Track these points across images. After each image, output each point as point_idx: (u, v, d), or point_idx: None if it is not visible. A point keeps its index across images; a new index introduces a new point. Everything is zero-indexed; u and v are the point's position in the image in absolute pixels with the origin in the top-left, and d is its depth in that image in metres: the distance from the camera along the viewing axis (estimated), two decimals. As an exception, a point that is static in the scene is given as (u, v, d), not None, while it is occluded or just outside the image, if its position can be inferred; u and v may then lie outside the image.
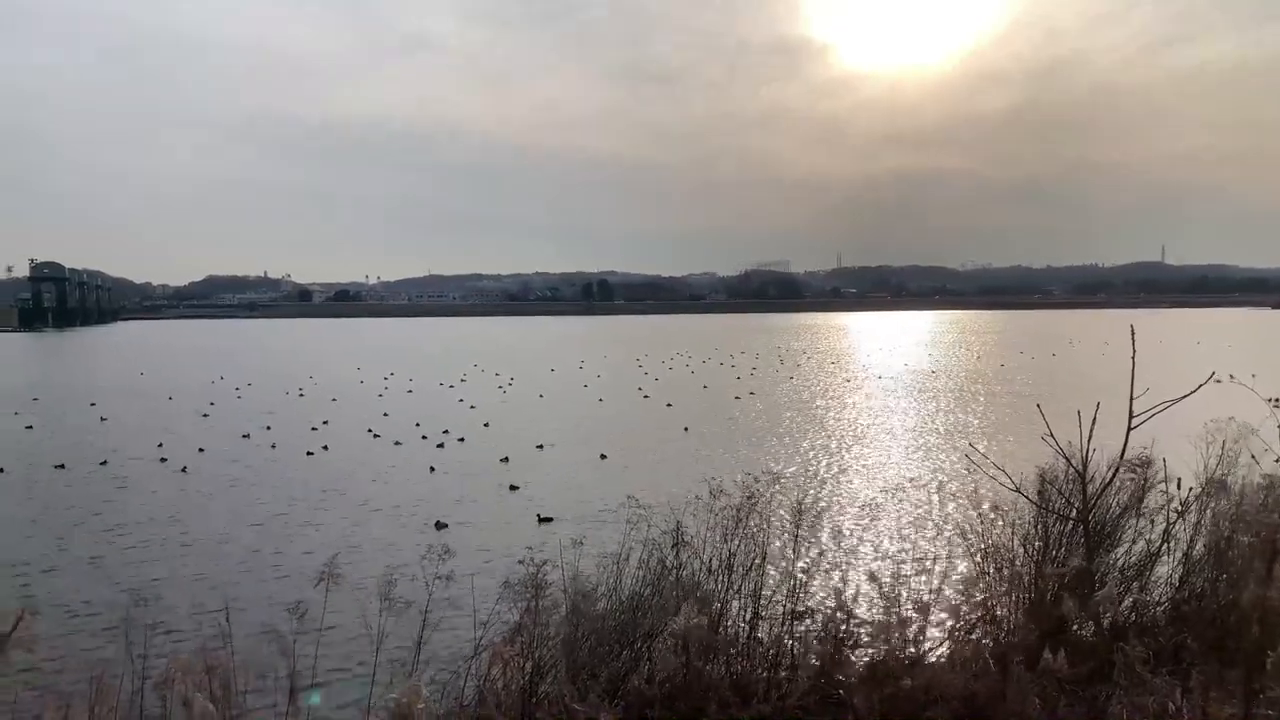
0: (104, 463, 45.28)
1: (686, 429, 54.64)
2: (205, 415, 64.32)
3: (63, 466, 44.32)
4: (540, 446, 48.46)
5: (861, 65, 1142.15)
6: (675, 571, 13.11)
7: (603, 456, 45.52)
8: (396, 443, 51.21)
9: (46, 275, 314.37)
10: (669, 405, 67.96)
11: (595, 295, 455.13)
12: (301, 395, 77.71)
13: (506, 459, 44.65)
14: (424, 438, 52.64)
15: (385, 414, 63.65)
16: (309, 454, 47.65)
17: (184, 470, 43.03)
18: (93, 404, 71.05)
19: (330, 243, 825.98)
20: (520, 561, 12.67)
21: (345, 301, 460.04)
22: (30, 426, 59.20)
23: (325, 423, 58.84)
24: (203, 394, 78.10)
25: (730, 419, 59.67)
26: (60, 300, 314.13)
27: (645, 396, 74.59)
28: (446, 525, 31.87)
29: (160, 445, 49.65)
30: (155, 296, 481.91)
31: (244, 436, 53.80)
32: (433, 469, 43.07)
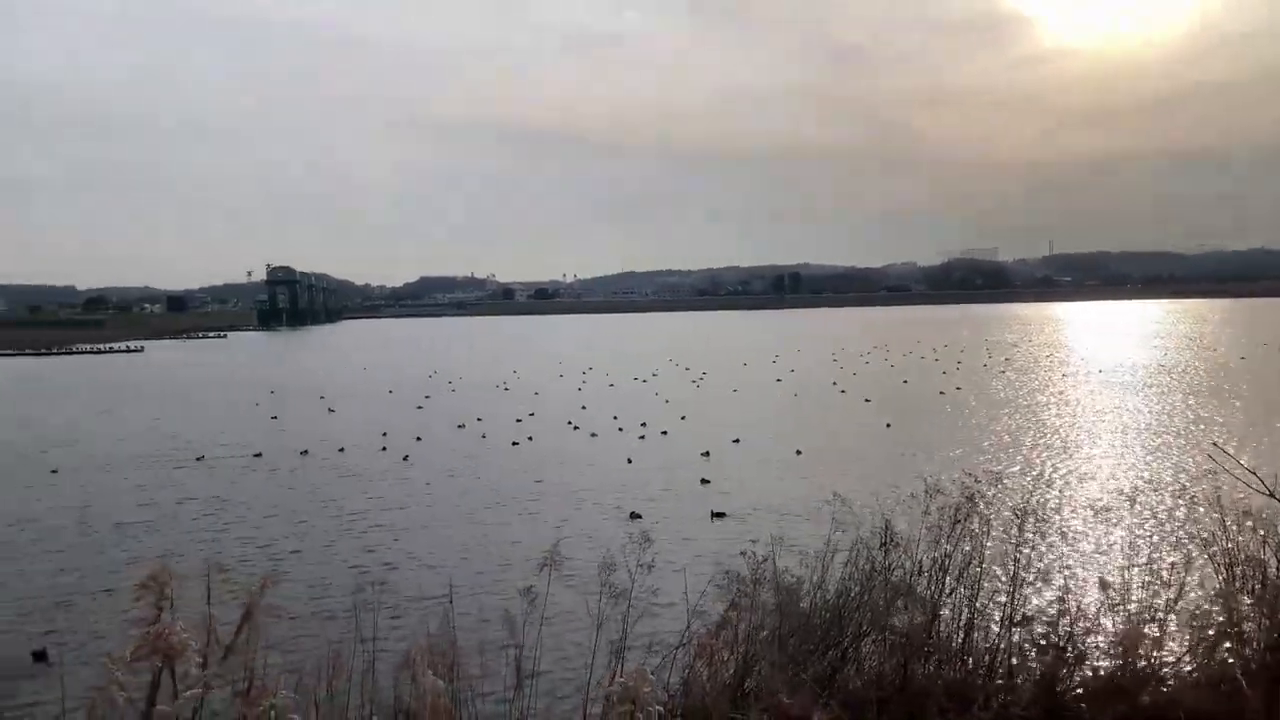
0: (341, 450, 49.43)
1: (889, 425, 53.05)
2: (420, 408, 68.62)
3: (306, 453, 48.86)
4: (736, 441, 48.51)
5: (1070, 38, 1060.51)
6: (885, 573, 12.75)
7: (798, 452, 44.99)
8: (593, 434, 52.90)
9: (281, 279, 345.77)
10: (867, 401, 66.24)
11: (787, 288, 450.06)
12: (506, 389, 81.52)
13: (708, 453, 44.89)
14: (620, 430, 54.00)
15: (583, 407, 65.78)
16: (514, 444, 49.95)
17: (405, 459, 46.20)
18: (321, 397, 77.38)
19: (530, 242, 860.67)
20: (723, 555, 12.73)
21: (544, 299, 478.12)
22: (275, 417, 65.26)
23: (531, 414, 61.43)
24: (418, 388, 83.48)
25: (937, 416, 57.38)
26: (292, 301, 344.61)
27: (842, 392, 73.08)
28: (641, 516, 32.46)
29: (385, 435, 53.46)
30: (374, 297, 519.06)
31: (459, 427, 57.07)
32: (630, 460, 44.07)
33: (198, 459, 47.58)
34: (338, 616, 19.20)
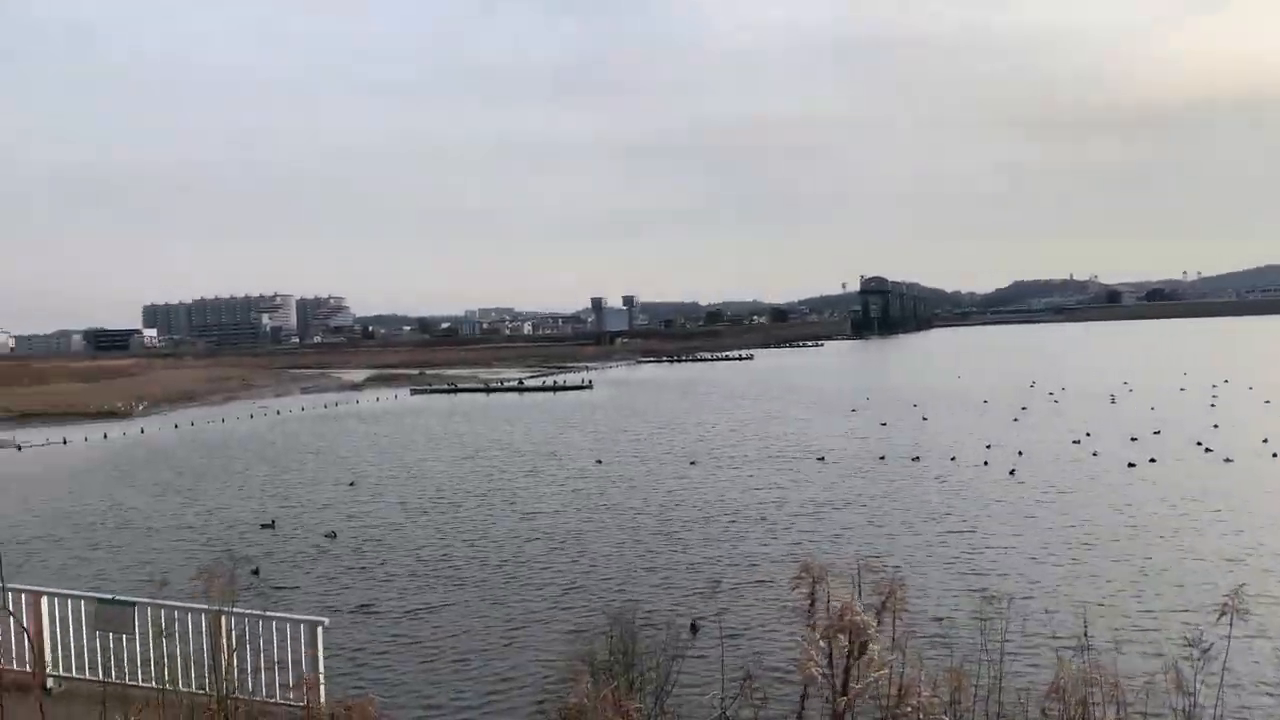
0: (916, 459, 49.57)
1: None
2: (1015, 420, 65.25)
3: (883, 459, 49.87)
4: None
5: None
6: None
7: None
8: (1227, 459, 45.28)
9: (873, 289, 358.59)
10: None
11: None
12: (1113, 402, 74.06)
13: None
14: (1275, 455, 45.45)
15: (1215, 425, 56.80)
16: (1130, 465, 44.85)
17: (1011, 474, 44.33)
18: (914, 405, 77.79)
19: (1140, 237, 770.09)
20: None
21: (1158, 302, 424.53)
22: (885, 424, 66.79)
23: (1156, 432, 54.73)
24: (1015, 398, 79.70)
25: None
26: (884, 310, 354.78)
27: None
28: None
29: (989, 448, 51.80)
30: (964, 304, 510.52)
31: (1074, 443, 53.07)
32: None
33: (819, 459, 51.14)
34: (959, 628, 18.95)
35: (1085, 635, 13.11)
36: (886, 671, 7.66)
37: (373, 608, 26.61)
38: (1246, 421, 58.10)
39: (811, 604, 9.97)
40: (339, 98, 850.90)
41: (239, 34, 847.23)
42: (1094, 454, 48.87)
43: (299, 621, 11.64)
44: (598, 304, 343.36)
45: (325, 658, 11.42)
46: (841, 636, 7.83)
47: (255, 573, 29.81)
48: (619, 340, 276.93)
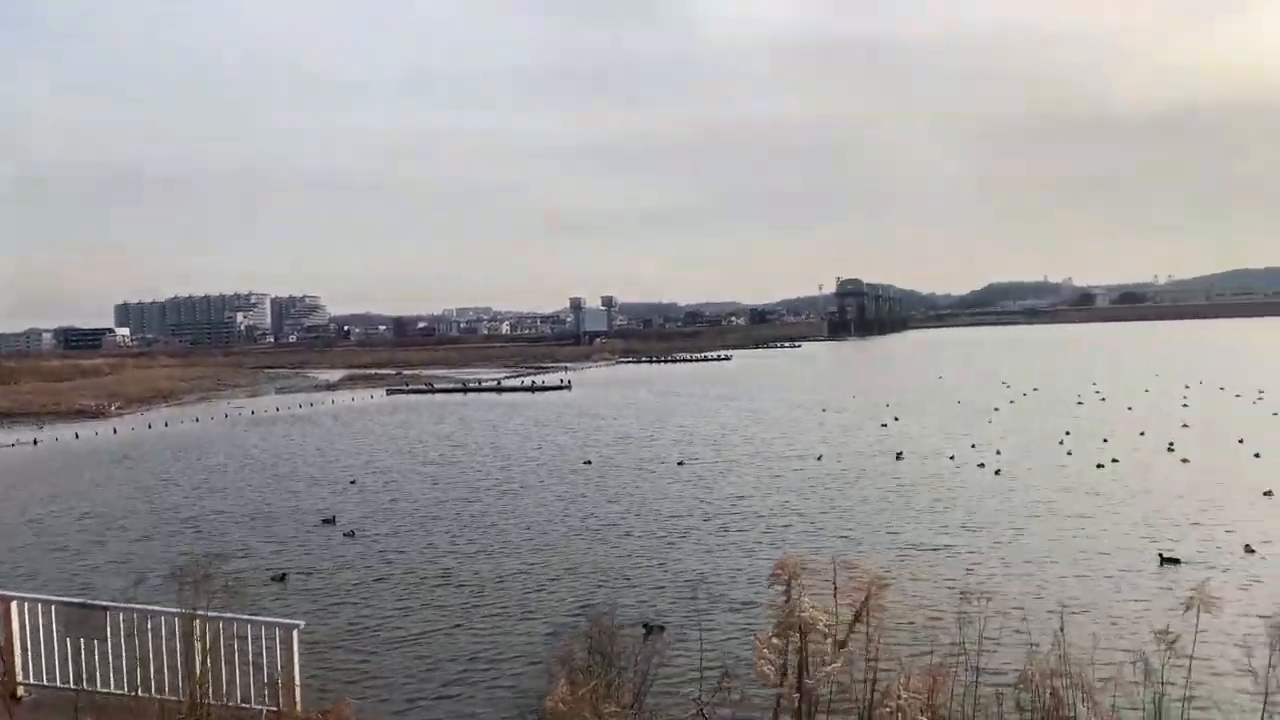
0: (901, 454, 50.47)
1: None
2: (989, 422, 65.71)
3: (901, 456, 50.70)
4: None
5: None
6: None
7: None
8: (1184, 460, 46.09)
9: (849, 291, 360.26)
10: None
11: None
12: (1080, 404, 75.18)
13: None
14: (1256, 455, 46.28)
15: (1185, 425, 57.99)
16: (1099, 466, 45.36)
17: (997, 473, 44.88)
18: (887, 405, 78.11)
19: (1113, 239, 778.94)
20: None
21: (1130, 304, 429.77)
22: (886, 425, 67.31)
23: (1171, 435, 55.64)
24: (992, 397, 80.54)
25: None
26: (860, 312, 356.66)
27: None
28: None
29: (974, 447, 52.48)
30: (939, 306, 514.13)
31: (1061, 441, 53.79)
32: (1269, 493, 37.25)
33: (817, 458, 51.39)
34: (938, 627, 19.08)
35: (1061, 631, 13.29)
36: (839, 666, 7.68)
37: (350, 608, 26.47)
38: (1214, 422, 58.91)
39: (788, 600, 10.04)
40: (320, 93, 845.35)
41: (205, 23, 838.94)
42: (1069, 453, 49.56)
43: (274, 624, 11.53)
44: (576, 304, 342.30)
45: (300, 661, 11.33)
46: (794, 634, 7.86)
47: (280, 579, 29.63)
48: (598, 340, 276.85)
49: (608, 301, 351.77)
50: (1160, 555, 28.66)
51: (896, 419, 68.38)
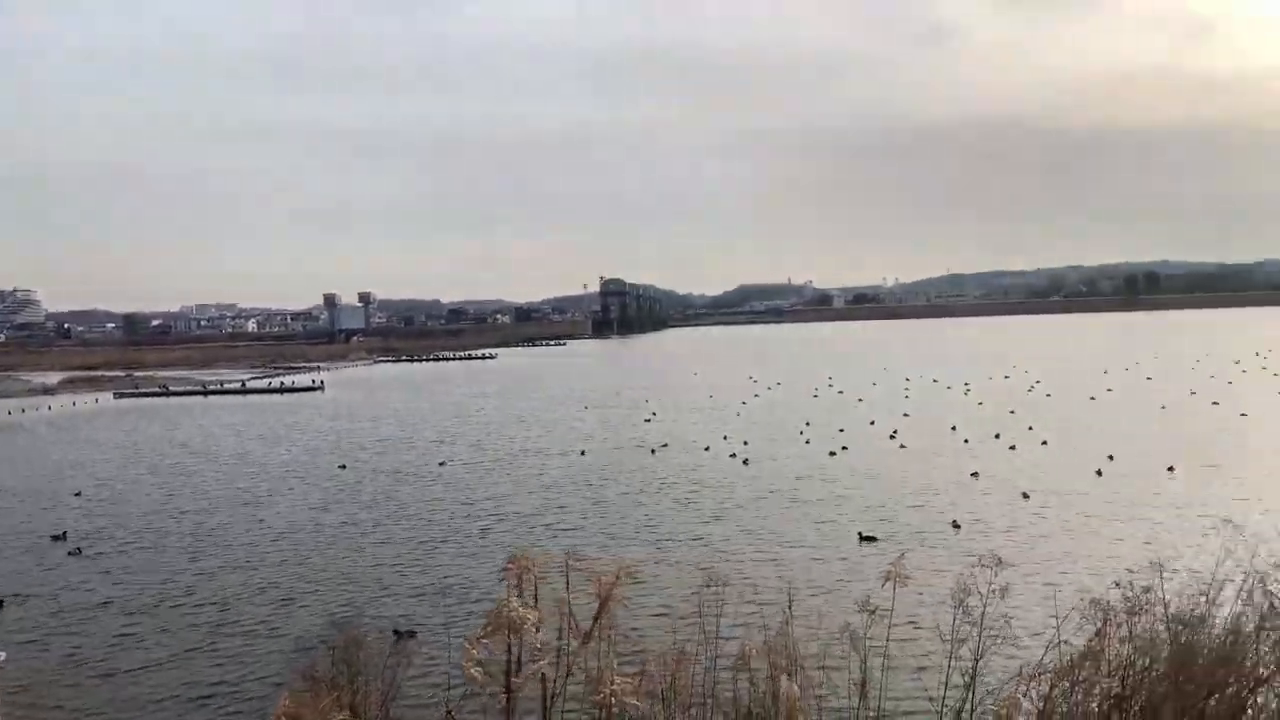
0: (665, 444, 52.83)
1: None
2: (738, 415, 69.55)
3: (656, 450, 51.88)
4: (1111, 458, 44.26)
5: None
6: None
7: (1170, 469, 40.90)
8: (902, 446, 51.16)
9: (612, 290, 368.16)
10: (1243, 415, 58.17)
11: (1141, 289, 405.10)
12: (816, 397, 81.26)
13: (1100, 472, 41.69)
14: (965, 441, 51.95)
15: (906, 415, 64.07)
16: (831, 454, 49.30)
17: (746, 463, 47.62)
18: (646, 400, 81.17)
19: (851, 247, 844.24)
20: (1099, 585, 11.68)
21: (863, 304, 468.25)
22: (649, 420, 68.98)
23: (877, 424, 60.62)
24: (740, 391, 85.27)
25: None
26: (622, 311, 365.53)
27: (1214, 404, 64.73)
28: (959, 526, 30.71)
29: (725, 439, 55.29)
30: (695, 305, 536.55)
31: (801, 432, 57.67)
32: (975, 475, 42.01)
33: (580, 454, 52.47)
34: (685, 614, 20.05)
35: (789, 609, 14.39)
36: (544, 664, 7.88)
37: (68, 638, 24.04)
38: (930, 409, 65.52)
39: (520, 594, 10.21)
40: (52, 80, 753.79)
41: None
42: (807, 441, 53.52)
43: None
44: (331, 300, 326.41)
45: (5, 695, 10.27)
46: (503, 634, 8.04)
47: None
48: (355, 339, 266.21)
49: (365, 298, 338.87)
50: (859, 534, 31.69)
51: (655, 414, 70.85)
